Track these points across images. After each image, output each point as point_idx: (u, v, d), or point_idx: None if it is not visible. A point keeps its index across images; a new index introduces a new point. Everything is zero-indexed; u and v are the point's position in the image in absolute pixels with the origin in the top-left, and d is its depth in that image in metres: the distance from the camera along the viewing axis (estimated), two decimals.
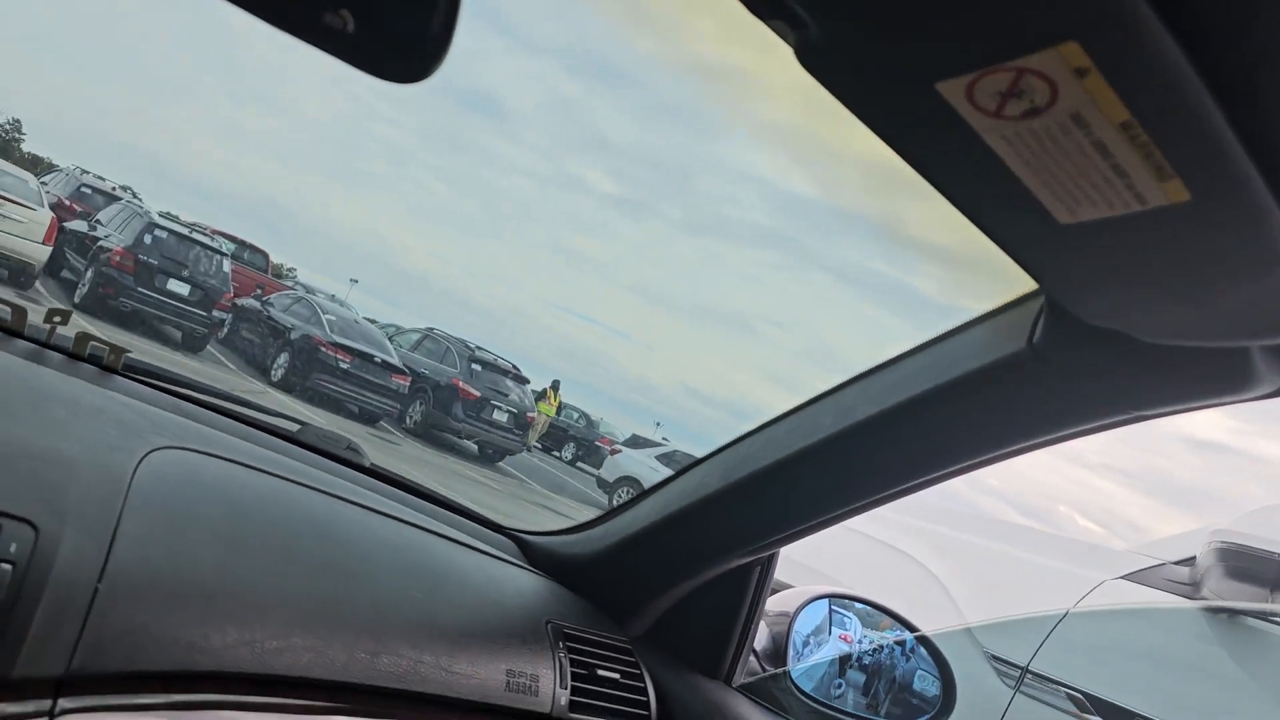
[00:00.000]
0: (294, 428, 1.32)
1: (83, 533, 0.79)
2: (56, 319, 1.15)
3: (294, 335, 11.39)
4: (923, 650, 1.43)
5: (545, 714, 1.09)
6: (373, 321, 14.59)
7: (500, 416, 12.88)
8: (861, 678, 1.40)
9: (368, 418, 11.45)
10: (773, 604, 1.36)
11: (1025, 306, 0.83)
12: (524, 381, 13.93)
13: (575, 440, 18.73)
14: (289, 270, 20.92)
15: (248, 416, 1.27)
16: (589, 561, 1.30)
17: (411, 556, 1.12)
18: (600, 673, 1.17)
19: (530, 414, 13.59)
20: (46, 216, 9.25)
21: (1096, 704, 2.15)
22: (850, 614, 1.44)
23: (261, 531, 0.97)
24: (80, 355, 1.16)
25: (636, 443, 15.18)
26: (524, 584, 1.24)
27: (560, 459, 18.03)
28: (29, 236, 8.99)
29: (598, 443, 18.24)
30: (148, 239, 10.26)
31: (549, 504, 11.57)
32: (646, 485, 1.43)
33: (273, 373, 11.24)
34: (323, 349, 11.16)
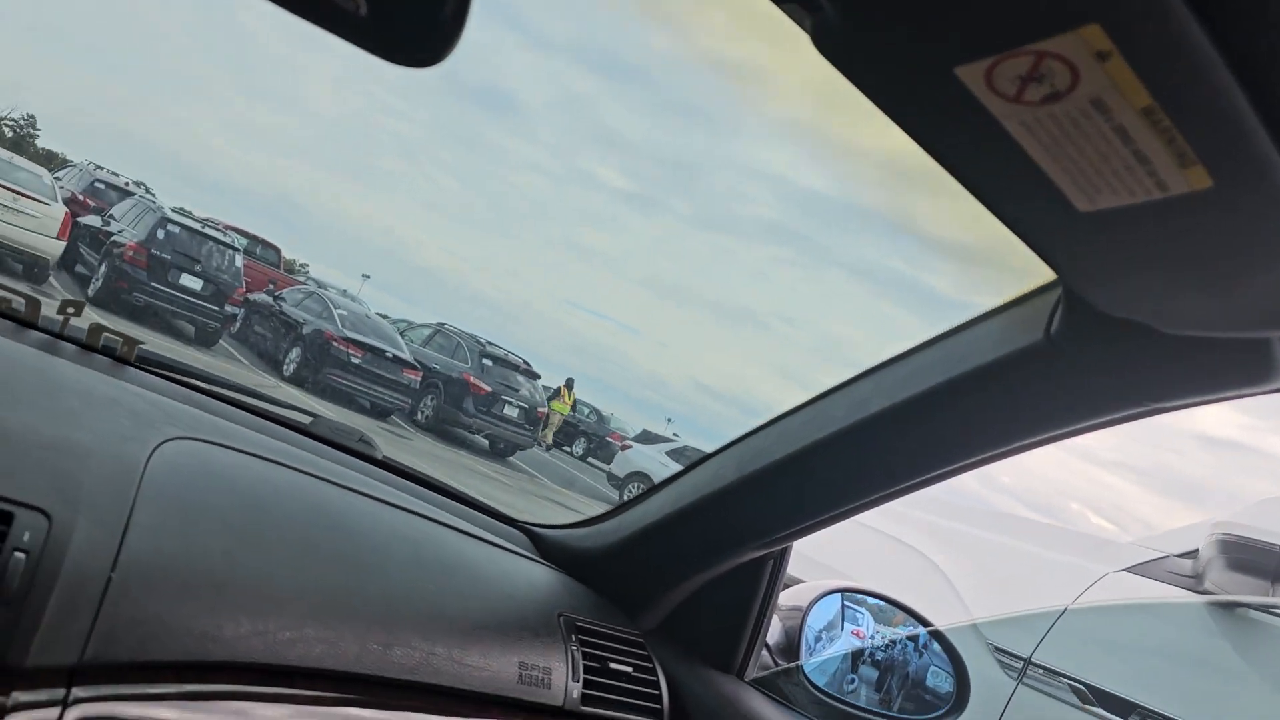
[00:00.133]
0: (306, 420, 1.32)
1: (96, 522, 0.80)
2: (70, 310, 1.15)
3: (306, 330, 11.42)
4: (936, 646, 1.42)
5: (558, 707, 1.09)
6: (384, 317, 14.61)
7: (511, 412, 12.90)
8: (874, 673, 1.39)
9: (379, 412, 11.47)
10: (785, 598, 1.36)
11: (1042, 298, 0.82)
12: (535, 377, 13.95)
13: (586, 435, 18.74)
14: (301, 265, 20.98)
15: (260, 409, 1.27)
16: (601, 555, 1.30)
17: (424, 549, 1.12)
18: (612, 666, 1.17)
19: (541, 409, 13.60)
20: (60, 211, 9.30)
21: (1098, 695, 2.14)
22: (863, 609, 1.43)
23: (274, 523, 0.97)
24: (94, 346, 1.16)
25: (647, 438, 15.16)
26: (536, 577, 1.24)
27: (571, 454, 18.05)
28: (43, 231, 9.05)
29: (609, 438, 18.24)
30: (161, 234, 10.30)
31: (560, 499, 11.58)
32: (657, 480, 1.43)
33: (285, 367, 11.28)
34: (334, 344, 11.19)
